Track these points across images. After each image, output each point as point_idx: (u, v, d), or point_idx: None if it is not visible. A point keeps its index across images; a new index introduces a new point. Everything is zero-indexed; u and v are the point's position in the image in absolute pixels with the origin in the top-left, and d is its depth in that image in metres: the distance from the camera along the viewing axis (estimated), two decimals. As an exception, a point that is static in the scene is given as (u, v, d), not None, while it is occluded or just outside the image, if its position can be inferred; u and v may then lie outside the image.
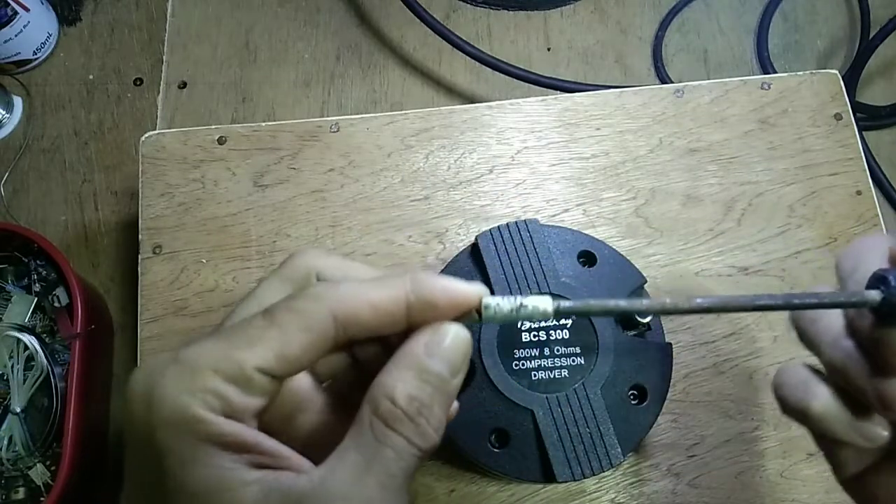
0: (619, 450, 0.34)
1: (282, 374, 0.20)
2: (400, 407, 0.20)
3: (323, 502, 0.19)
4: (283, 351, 0.19)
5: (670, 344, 0.37)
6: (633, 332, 0.37)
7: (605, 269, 0.38)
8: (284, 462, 0.20)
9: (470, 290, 0.21)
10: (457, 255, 0.39)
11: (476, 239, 0.38)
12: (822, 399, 0.24)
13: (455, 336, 0.21)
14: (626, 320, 0.37)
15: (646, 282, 0.38)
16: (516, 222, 0.38)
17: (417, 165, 0.45)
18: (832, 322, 0.25)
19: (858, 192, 0.44)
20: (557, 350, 0.35)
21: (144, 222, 0.43)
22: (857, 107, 0.56)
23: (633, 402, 0.35)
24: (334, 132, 0.45)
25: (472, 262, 0.38)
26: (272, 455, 0.20)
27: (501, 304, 0.22)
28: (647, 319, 0.36)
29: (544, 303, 0.22)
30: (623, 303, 0.22)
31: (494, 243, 0.37)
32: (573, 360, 0.35)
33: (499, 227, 0.38)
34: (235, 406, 0.19)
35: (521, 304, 0.22)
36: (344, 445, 0.20)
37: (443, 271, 0.38)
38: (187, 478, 0.18)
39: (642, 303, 0.23)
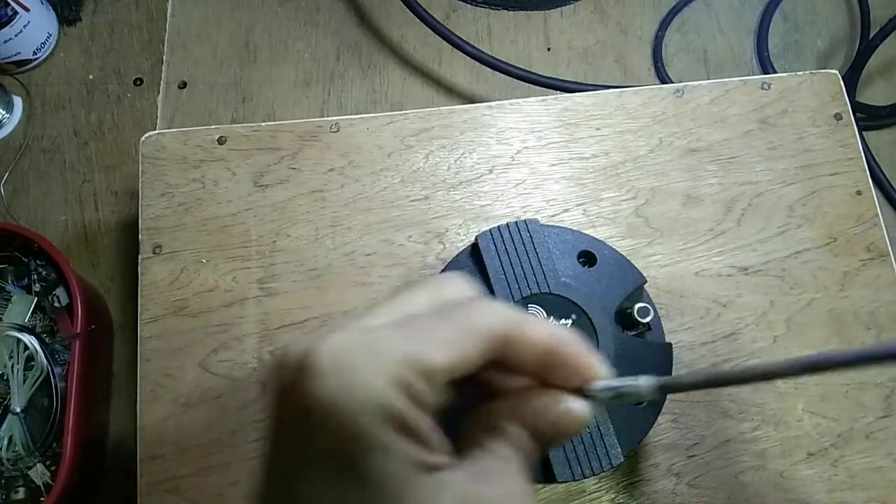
0: (619, 450, 0.34)
1: (451, 380, 0.20)
2: (516, 443, 0.22)
3: (484, 500, 0.20)
4: (462, 362, 0.20)
5: (670, 344, 0.37)
6: (633, 333, 0.37)
7: (604, 269, 0.38)
8: (444, 456, 0.21)
9: (600, 371, 0.22)
10: (457, 255, 0.39)
11: (476, 239, 0.38)
12: None
13: (584, 420, 0.22)
14: (626, 320, 0.37)
15: (646, 282, 0.38)
16: (516, 222, 0.38)
17: (417, 165, 0.45)
18: None
19: (858, 192, 0.44)
20: (557, 350, 0.35)
21: (144, 222, 0.43)
22: (857, 107, 0.56)
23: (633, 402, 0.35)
24: (334, 132, 0.45)
25: (473, 262, 0.38)
26: (440, 449, 0.20)
27: (607, 388, 0.22)
28: (648, 319, 0.36)
29: (646, 381, 0.22)
30: (732, 372, 0.21)
31: (494, 243, 0.37)
32: (573, 360, 0.35)
33: (499, 227, 0.38)
34: (423, 403, 0.19)
35: (621, 391, 0.22)
36: (475, 454, 0.21)
37: (443, 271, 0.38)
38: (382, 465, 0.19)
39: (754, 369, 0.20)
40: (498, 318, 0.21)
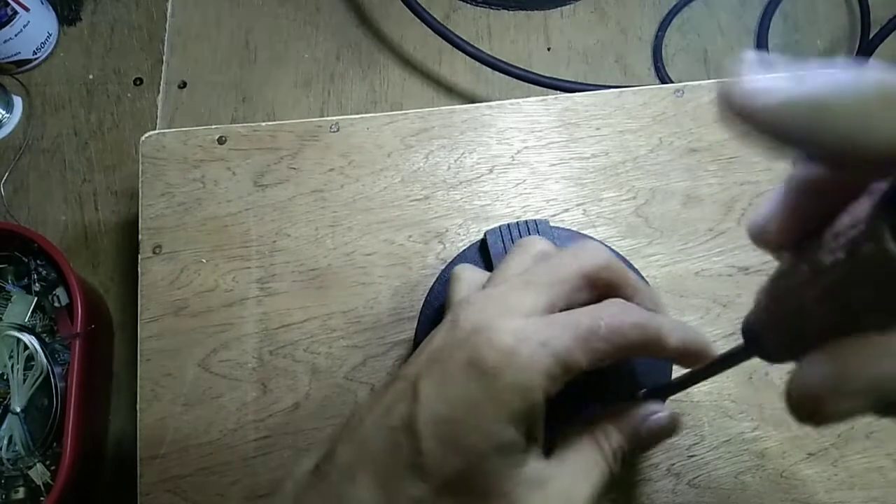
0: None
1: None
2: (613, 450, 0.27)
3: (555, 489, 0.25)
4: (596, 364, 0.24)
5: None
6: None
7: None
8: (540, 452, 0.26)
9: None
10: (464, 251, 0.39)
11: (485, 235, 0.38)
12: None
13: (673, 429, 0.28)
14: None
15: None
16: (526, 221, 0.38)
17: (417, 165, 0.45)
18: None
19: (858, 192, 0.44)
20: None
21: (144, 222, 0.43)
22: (857, 107, 0.56)
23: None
24: (334, 132, 0.45)
25: (480, 258, 0.38)
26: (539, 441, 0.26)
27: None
28: None
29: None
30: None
31: (503, 240, 0.37)
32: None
33: (508, 224, 0.38)
34: (550, 392, 0.24)
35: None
36: (570, 450, 0.27)
37: (450, 263, 0.38)
38: (513, 435, 0.24)
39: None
40: (642, 329, 0.25)
